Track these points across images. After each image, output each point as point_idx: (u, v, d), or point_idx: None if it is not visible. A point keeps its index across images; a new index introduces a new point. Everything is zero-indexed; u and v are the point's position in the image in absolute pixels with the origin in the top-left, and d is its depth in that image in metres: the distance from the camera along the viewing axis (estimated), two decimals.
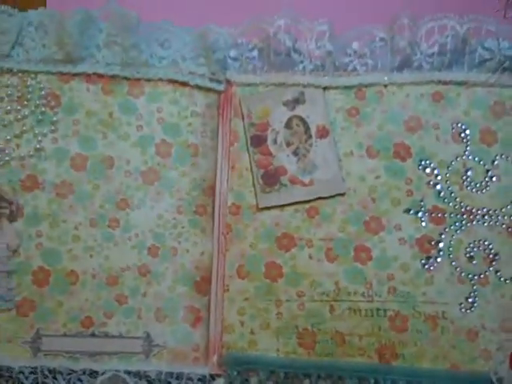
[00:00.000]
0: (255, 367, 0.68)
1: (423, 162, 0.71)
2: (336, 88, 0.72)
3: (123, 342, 0.70)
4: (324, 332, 0.68)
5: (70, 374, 0.68)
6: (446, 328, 0.68)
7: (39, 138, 0.72)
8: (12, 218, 0.70)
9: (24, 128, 0.72)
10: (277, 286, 0.69)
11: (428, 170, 0.71)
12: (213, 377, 0.69)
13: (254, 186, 0.72)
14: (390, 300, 0.69)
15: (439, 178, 0.71)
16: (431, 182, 0.71)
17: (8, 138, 0.71)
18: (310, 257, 0.70)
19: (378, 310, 0.69)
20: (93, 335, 0.70)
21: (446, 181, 0.71)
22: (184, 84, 0.73)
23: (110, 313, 0.70)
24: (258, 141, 0.73)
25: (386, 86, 0.72)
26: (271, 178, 0.72)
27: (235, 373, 0.68)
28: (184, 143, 0.73)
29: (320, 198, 0.71)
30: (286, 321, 0.69)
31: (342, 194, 0.71)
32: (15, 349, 0.69)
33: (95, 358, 0.69)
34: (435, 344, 0.67)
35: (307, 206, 0.71)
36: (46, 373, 0.68)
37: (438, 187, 0.70)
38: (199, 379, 0.69)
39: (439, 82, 0.71)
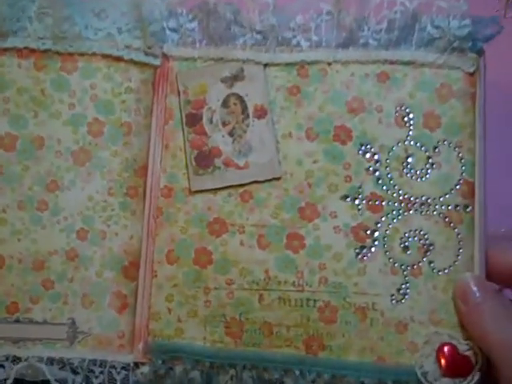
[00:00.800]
0: (181, 356, 0.72)
1: (364, 147, 0.74)
2: (277, 65, 0.73)
3: (48, 328, 0.74)
4: (252, 322, 0.71)
5: None
6: (376, 320, 0.71)
7: None
8: None
9: None
10: (206, 273, 0.73)
11: (368, 155, 0.74)
12: (137, 365, 0.74)
13: (186, 167, 0.76)
14: (320, 290, 0.72)
15: (379, 163, 0.74)
16: (371, 168, 0.74)
17: None
18: (242, 243, 0.73)
19: (307, 300, 0.72)
20: (17, 321, 0.72)
21: (386, 167, 0.74)
22: (119, 59, 0.75)
23: (35, 298, 0.73)
24: (193, 119, 0.76)
25: (330, 63, 0.75)
26: (205, 159, 0.76)
27: (160, 361, 0.72)
28: (117, 122, 0.76)
29: (255, 182, 0.74)
30: (214, 309, 0.72)
31: (278, 178, 0.73)
32: None
33: (19, 345, 0.72)
34: (363, 336, 0.71)
35: (241, 189, 0.74)
36: None
37: (377, 173, 0.74)
38: (123, 367, 0.73)
39: (386, 62, 0.73)
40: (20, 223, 0.74)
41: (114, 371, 0.71)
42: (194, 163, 0.74)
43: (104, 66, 0.76)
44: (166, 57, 0.75)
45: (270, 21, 0.72)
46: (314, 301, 0.70)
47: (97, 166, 0.75)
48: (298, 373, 0.68)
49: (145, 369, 0.71)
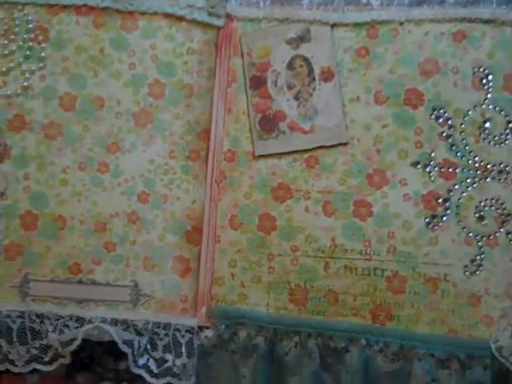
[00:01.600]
0: (244, 321, 0.72)
1: (436, 111, 0.71)
2: (345, 25, 0.66)
3: (110, 290, 0.73)
4: (317, 289, 0.70)
5: (57, 319, 0.67)
6: (447, 291, 0.70)
7: (27, 76, 0.69)
8: None
9: (11, 64, 0.68)
10: (270, 239, 0.70)
11: (441, 120, 0.71)
12: (201, 328, 0.74)
13: (250, 131, 0.74)
14: (388, 259, 0.71)
15: (453, 129, 0.72)
16: (444, 133, 0.71)
17: None
18: (307, 210, 0.72)
19: (375, 269, 0.71)
20: (80, 282, 0.69)
21: (461, 132, 0.70)
22: (181, 18, 0.69)
23: (97, 260, 0.69)
24: (257, 82, 0.74)
25: (401, 23, 0.71)
26: (269, 123, 0.74)
27: (224, 326, 0.71)
28: (178, 83, 0.70)
29: (321, 147, 0.72)
30: (278, 276, 0.70)
31: (345, 144, 0.69)
32: (3, 293, 0.67)
33: (82, 305, 0.68)
34: (433, 307, 0.70)
35: (306, 155, 0.70)
36: (34, 317, 0.68)
37: (451, 139, 0.71)
38: (187, 330, 0.73)
39: (463, 20, 0.66)
40: (80, 184, 0.70)
41: (178, 334, 0.71)
42: (257, 127, 0.72)
43: (165, 25, 0.70)
44: (229, 17, 0.71)
45: None
46: (382, 270, 0.69)
47: (158, 128, 0.70)
48: (364, 342, 0.68)
49: (209, 333, 0.71)
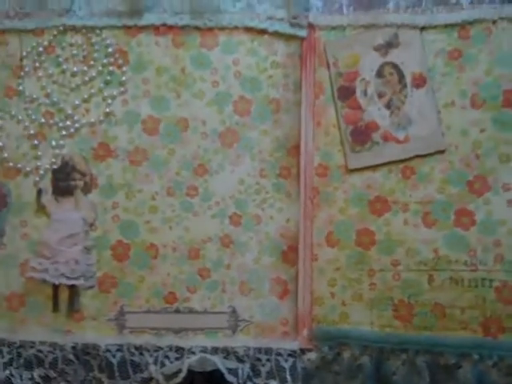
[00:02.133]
0: (348, 341, 0.81)
1: None
2: (435, 27, 0.76)
3: (208, 317, 0.80)
4: (422, 304, 0.75)
5: (156, 350, 0.78)
6: None
7: (109, 101, 0.80)
8: (86, 190, 0.81)
9: (92, 91, 0.80)
10: (369, 255, 0.79)
11: None
12: (303, 351, 0.93)
13: (342, 144, 0.94)
14: (496, 269, 0.88)
15: None
16: None
17: (76, 103, 0.80)
18: (406, 222, 0.87)
19: (482, 279, 0.87)
20: (177, 311, 0.80)
21: None
22: (262, 31, 0.81)
23: (193, 287, 0.80)
24: (345, 93, 0.91)
25: (494, 21, 0.83)
26: (361, 135, 0.91)
27: (327, 347, 0.86)
28: (264, 99, 0.81)
29: (417, 157, 0.80)
30: (380, 292, 0.79)
31: (442, 151, 0.76)
32: (100, 326, 0.80)
33: (181, 335, 0.79)
34: None
35: (402, 165, 0.79)
36: (133, 350, 0.78)
37: None
38: (289, 354, 0.92)
39: None
40: (170, 210, 0.83)
41: (280, 359, 0.87)
42: (349, 139, 0.90)
43: (247, 39, 0.82)
44: (311, 27, 0.86)
45: None
46: (490, 280, 0.85)
47: (246, 147, 0.82)
48: (476, 357, 0.84)
49: (312, 355, 0.89)
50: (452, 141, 0.80)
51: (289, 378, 0.82)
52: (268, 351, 0.84)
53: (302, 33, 0.83)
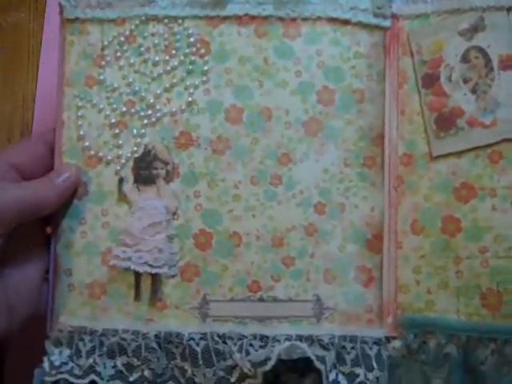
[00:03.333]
0: (434, 330, 0.88)
1: None
2: None
3: (292, 305, 0.84)
4: (511, 292, 0.83)
5: (240, 339, 0.83)
6: None
7: (191, 91, 0.86)
8: (168, 179, 0.86)
9: (174, 80, 0.86)
10: (455, 242, 0.84)
11: None
12: (388, 339, 0.93)
13: (426, 131, 0.94)
14: None
15: None
16: None
17: (158, 92, 0.86)
18: (494, 208, 0.89)
19: None
20: (261, 300, 0.84)
21: None
22: (345, 22, 0.86)
23: (277, 276, 0.85)
24: (429, 80, 0.93)
25: None
26: (446, 121, 0.92)
27: (412, 335, 0.87)
28: (348, 89, 0.87)
29: (504, 141, 0.83)
30: (467, 280, 0.84)
31: None
32: (183, 315, 0.85)
33: (265, 323, 0.84)
34: None
35: (489, 150, 0.84)
36: (217, 338, 0.83)
37: None
38: (374, 342, 0.91)
39: None
40: (254, 199, 0.88)
41: (366, 346, 0.89)
42: (434, 126, 0.91)
43: (330, 30, 0.88)
44: (395, 17, 0.92)
45: None
46: None
47: (330, 136, 0.88)
48: None
49: (397, 343, 0.90)
50: None
51: (375, 365, 0.85)
52: (353, 339, 0.86)
53: (386, 23, 0.88)
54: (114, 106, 0.88)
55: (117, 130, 0.87)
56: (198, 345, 0.85)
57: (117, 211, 0.88)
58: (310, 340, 0.85)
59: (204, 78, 0.88)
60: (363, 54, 0.87)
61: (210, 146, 0.87)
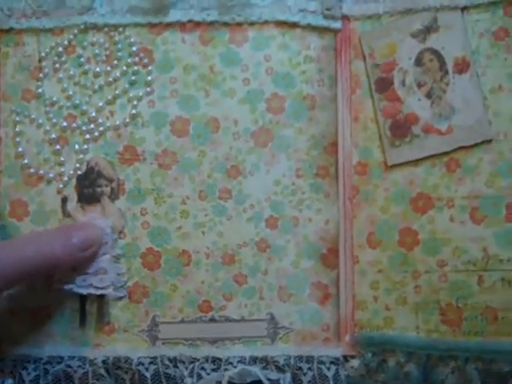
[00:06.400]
0: (393, 348, 0.84)
1: None
2: (478, 6, 0.76)
3: (245, 325, 0.85)
4: (472, 307, 0.78)
5: (192, 362, 0.79)
6: None
7: (134, 103, 0.81)
8: (114, 197, 0.82)
9: (116, 92, 0.81)
10: (413, 255, 0.82)
11: None
12: (346, 358, 0.87)
13: (380, 139, 0.87)
14: None
15: None
16: None
17: (100, 105, 0.81)
18: (452, 219, 0.83)
19: None
20: (213, 320, 0.81)
21: None
22: (294, 25, 0.81)
23: (229, 295, 0.81)
24: (383, 85, 0.86)
25: None
26: (400, 128, 0.85)
27: (370, 354, 0.84)
28: (299, 95, 0.82)
29: (461, 148, 0.83)
30: (426, 295, 0.82)
31: (489, 141, 0.81)
32: (132, 338, 0.80)
33: (217, 345, 0.79)
34: None
35: (446, 158, 0.83)
36: (167, 362, 0.79)
37: None
38: (332, 362, 0.86)
39: None
40: (203, 215, 0.83)
41: (323, 367, 0.83)
42: (388, 134, 0.84)
43: (278, 34, 0.82)
44: (345, 18, 0.85)
45: None
46: None
47: (281, 146, 0.82)
48: None
49: (355, 362, 0.84)
50: (500, 129, 0.78)
51: None
52: (309, 359, 0.82)
53: (337, 25, 0.83)
54: (54, 120, 0.83)
55: (58, 146, 0.83)
56: (147, 370, 0.81)
57: None
58: (265, 361, 0.81)
59: (148, 89, 0.83)
60: (313, 58, 0.82)
61: (155, 160, 0.83)
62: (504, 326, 0.75)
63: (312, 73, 0.82)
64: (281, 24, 0.82)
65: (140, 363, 0.80)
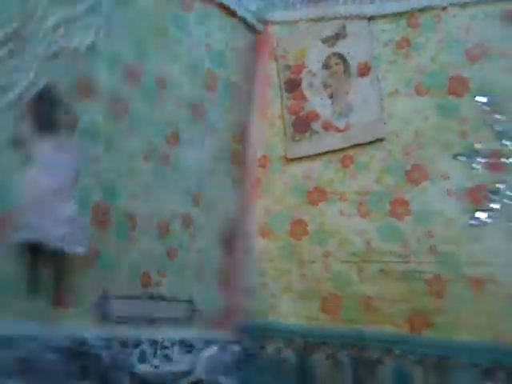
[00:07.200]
0: (273, 334, 0.83)
1: (483, 98, 0.80)
2: (384, 17, 0.85)
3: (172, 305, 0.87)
4: (350, 296, 0.80)
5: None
6: (495, 293, 0.74)
7: None
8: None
9: None
10: (301, 245, 0.83)
11: (488, 108, 0.80)
12: (230, 343, 0.86)
13: (285, 135, 0.87)
14: (428, 261, 0.78)
15: (502, 116, 0.79)
16: (491, 122, 0.79)
17: None
18: (341, 212, 0.83)
19: (413, 272, 0.79)
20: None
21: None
22: (233, 13, 0.91)
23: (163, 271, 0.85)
24: (291, 85, 0.89)
25: (444, 8, 0.83)
26: (302, 124, 0.87)
27: (251, 340, 0.83)
28: (228, 79, 0.91)
29: (356, 146, 0.84)
30: (310, 284, 0.82)
31: (382, 140, 0.83)
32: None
33: None
34: (479, 312, 0.74)
35: (341, 154, 0.84)
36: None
37: (500, 127, 0.79)
38: (222, 346, 0.85)
39: None
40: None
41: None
42: (291, 129, 0.85)
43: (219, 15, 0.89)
44: (266, 22, 0.89)
45: None
46: (421, 273, 0.76)
47: (211, 123, 0.87)
48: (398, 352, 0.74)
49: (236, 348, 0.82)
50: (393, 129, 0.67)
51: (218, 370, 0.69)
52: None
53: (259, 27, 0.74)
54: None
55: None
56: None
57: None
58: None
59: None
60: (241, 50, 0.80)
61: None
62: (378, 315, 0.72)
63: (238, 63, 0.82)
64: (224, 7, 0.83)
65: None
